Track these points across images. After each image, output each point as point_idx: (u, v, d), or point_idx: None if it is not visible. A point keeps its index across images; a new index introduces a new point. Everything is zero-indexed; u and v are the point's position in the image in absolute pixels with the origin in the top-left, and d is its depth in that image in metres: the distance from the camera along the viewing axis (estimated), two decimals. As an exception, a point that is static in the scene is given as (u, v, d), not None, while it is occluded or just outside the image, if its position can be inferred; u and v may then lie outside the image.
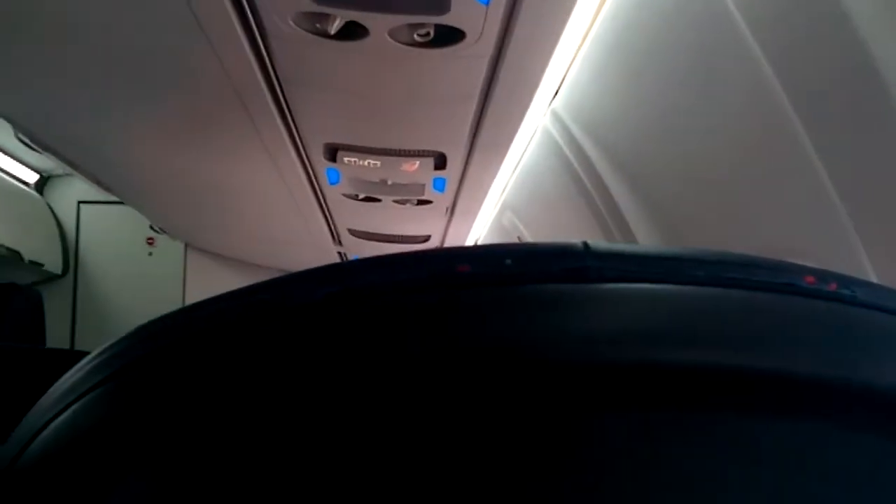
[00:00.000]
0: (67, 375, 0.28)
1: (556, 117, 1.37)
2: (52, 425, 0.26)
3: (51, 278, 3.27)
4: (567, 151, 1.41)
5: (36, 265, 3.05)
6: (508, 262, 0.25)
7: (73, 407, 0.26)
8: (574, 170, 1.42)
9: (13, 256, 2.87)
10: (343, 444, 0.25)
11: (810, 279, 0.26)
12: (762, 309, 0.26)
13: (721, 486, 0.25)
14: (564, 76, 1.26)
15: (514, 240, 2.03)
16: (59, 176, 3.36)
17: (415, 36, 1.03)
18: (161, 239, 3.22)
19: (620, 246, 0.27)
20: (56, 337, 3.21)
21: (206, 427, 0.25)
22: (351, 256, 2.71)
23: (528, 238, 1.97)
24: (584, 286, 0.25)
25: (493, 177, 1.78)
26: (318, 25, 1.01)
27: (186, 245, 3.15)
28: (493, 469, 0.25)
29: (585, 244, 0.26)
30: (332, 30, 1.00)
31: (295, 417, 0.25)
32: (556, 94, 1.32)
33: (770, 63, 0.81)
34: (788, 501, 0.26)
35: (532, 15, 0.99)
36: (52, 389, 0.28)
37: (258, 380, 0.25)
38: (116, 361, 0.26)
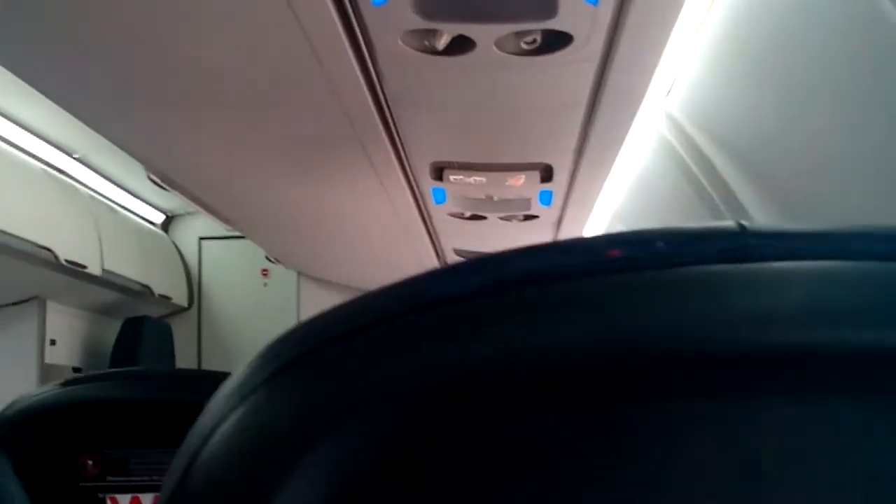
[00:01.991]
0: (238, 374, 0.28)
1: (670, 118, 1.32)
2: (230, 418, 0.27)
3: (178, 310, 3.50)
4: (683, 154, 1.35)
5: (165, 299, 3.28)
6: (661, 244, 0.24)
7: (252, 398, 0.26)
8: (692, 173, 1.35)
9: (145, 291, 3.09)
10: (511, 439, 0.25)
11: None
12: None
13: None
14: (677, 74, 1.20)
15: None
16: (181, 215, 3.61)
17: (521, 44, 1.02)
18: (275, 270, 3.38)
19: (779, 225, 0.25)
20: (184, 364, 3.42)
21: (370, 412, 0.25)
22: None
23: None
24: (747, 266, 0.23)
25: (602, 187, 1.74)
26: (426, 42, 1.02)
27: (299, 274, 3.28)
28: (664, 458, 0.24)
29: (741, 224, 0.24)
30: (440, 45, 1.01)
31: (451, 406, 0.24)
32: (669, 93, 1.27)
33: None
34: None
35: (641, 12, 0.95)
36: (222, 388, 0.28)
37: (418, 371, 0.24)
38: (290, 352, 0.27)
